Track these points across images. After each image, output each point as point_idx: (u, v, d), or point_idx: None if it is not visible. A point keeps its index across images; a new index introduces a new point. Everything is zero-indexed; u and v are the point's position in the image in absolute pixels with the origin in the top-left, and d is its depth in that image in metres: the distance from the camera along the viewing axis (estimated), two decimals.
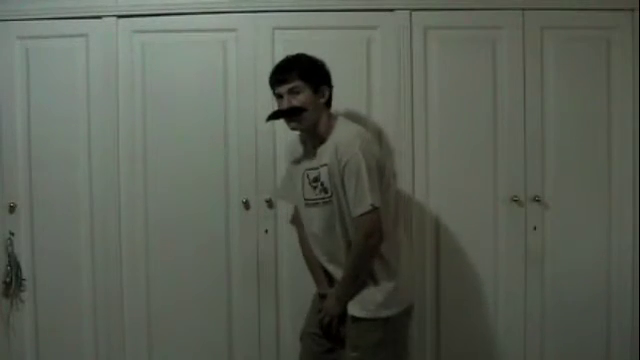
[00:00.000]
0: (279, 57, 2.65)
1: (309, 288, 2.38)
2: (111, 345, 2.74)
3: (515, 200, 2.70)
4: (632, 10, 2.70)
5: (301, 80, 2.15)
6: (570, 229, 2.72)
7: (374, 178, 2.08)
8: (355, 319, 2.14)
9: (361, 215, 2.06)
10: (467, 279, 2.73)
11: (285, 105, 2.15)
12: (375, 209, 2.05)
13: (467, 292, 2.73)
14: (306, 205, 2.21)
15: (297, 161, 2.27)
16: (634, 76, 2.70)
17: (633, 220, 2.72)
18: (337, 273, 2.20)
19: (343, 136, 2.13)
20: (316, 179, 2.16)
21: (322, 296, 2.26)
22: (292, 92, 2.14)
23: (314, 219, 2.19)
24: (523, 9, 2.69)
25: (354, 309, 2.14)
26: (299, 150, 2.28)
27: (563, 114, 2.71)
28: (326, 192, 2.14)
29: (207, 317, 2.73)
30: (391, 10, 2.68)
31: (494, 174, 2.71)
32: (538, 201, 2.70)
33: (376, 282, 2.14)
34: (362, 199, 2.05)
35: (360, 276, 2.13)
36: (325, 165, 2.13)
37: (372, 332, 2.12)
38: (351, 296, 2.14)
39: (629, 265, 2.73)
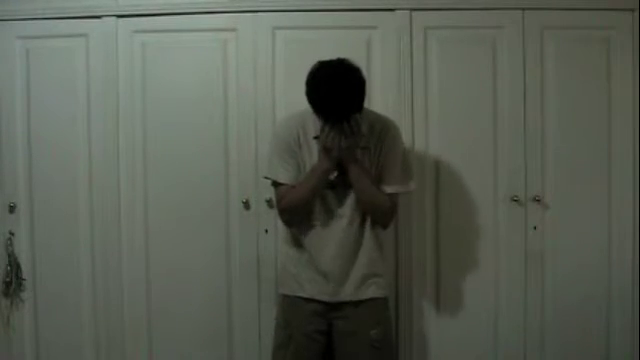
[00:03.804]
0: (279, 57, 2.68)
1: None
2: (111, 345, 2.74)
3: (515, 200, 2.70)
4: (632, 10, 2.70)
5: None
6: (570, 229, 2.72)
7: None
8: (372, 300, 2.28)
9: (395, 194, 2.27)
10: (467, 279, 2.73)
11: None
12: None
13: (467, 292, 2.73)
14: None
15: (305, 142, 2.23)
16: (634, 76, 2.70)
17: (633, 220, 2.72)
18: (333, 271, 2.23)
19: (382, 118, 2.30)
20: None
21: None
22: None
23: (336, 199, 2.23)
24: (523, 9, 2.69)
25: (370, 292, 2.27)
26: (307, 130, 2.23)
27: (563, 114, 2.71)
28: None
29: (207, 317, 2.73)
30: (391, 10, 2.68)
31: (494, 174, 2.71)
32: (538, 201, 2.70)
33: (381, 265, 2.32)
34: (406, 179, 2.29)
35: (368, 201, 2.21)
36: (366, 148, 2.21)
37: (385, 309, 2.33)
38: (356, 178, 2.18)
39: (629, 265, 2.73)
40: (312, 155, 2.23)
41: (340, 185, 2.22)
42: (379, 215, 2.27)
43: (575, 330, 2.74)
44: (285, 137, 2.25)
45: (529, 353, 2.74)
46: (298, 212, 2.25)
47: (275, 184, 2.29)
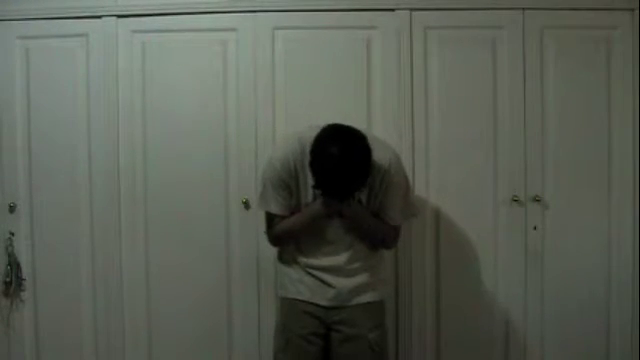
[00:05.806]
0: (279, 57, 2.68)
1: None
2: (111, 345, 2.74)
3: (515, 200, 2.70)
4: (632, 10, 2.70)
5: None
6: (570, 229, 2.72)
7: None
8: (370, 303, 2.27)
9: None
10: (467, 279, 2.73)
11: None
12: None
13: (467, 292, 2.73)
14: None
15: (302, 169, 2.17)
16: (634, 76, 2.70)
17: (633, 220, 2.72)
18: (329, 279, 2.23)
19: (382, 152, 2.17)
20: None
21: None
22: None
23: (333, 227, 2.21)
24: (523, 9, 2.69)
25: (369, 296, 2.26)
26: (304, 157, 2.14)
27: (563, 114, 2.71)
28: (360, 203, 2.20)
29: (207, 317, 2.73)
30: (391, 10, 2.68)
31: (494, 174, 2.71)
32: (538, 201, 2.70)
33: (379, 269, 2.32)
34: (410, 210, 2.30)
35: (370, 234, 2.24)
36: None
37: (383, 312, 2.32)
38: (358, 223, 2.21)
39: (629, 265, 2.73)
40: (307, 185, 2.18)
41: (336, 214, 2.20)
42: (384, 245, 2.32)
43: (575, 330, 2.74)
44: (280, 170, 2.18)
45: (529, 353, 2.74)
46: (288, 241, 2.28)
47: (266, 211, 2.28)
